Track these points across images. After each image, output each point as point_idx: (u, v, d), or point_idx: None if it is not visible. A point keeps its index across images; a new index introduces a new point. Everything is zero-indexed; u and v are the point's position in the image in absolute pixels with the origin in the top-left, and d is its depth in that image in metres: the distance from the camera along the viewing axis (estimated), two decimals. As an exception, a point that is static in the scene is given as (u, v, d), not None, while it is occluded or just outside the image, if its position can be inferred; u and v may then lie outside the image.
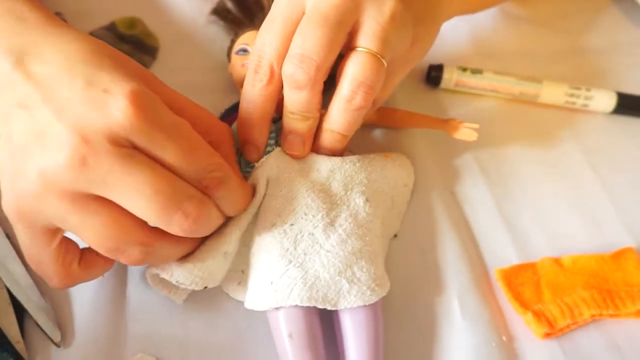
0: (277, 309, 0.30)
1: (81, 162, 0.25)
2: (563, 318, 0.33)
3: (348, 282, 0.30)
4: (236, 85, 0.39)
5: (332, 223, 0.31)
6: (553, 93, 0.44)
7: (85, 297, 0.33)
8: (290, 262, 0.30)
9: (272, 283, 0.30)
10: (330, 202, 0.32)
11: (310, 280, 0.30)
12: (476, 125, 0.38)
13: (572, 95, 0.43)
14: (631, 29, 0.52)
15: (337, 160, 0.34)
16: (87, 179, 0.25)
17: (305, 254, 0.30)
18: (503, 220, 0.38)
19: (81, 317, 0.32)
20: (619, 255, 0.36)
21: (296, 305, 0.29)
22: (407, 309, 0.34)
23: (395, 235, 0.36)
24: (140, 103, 0.25)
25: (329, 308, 0.30)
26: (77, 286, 0.32)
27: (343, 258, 0.30)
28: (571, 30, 0.50)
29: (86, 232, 0.26)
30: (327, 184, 0.33)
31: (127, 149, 0.25)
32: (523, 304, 0.34)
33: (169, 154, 0.26)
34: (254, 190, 0.32)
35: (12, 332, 0.31)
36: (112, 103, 0.25)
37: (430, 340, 0.33)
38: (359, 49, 0.31)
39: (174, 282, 0.30)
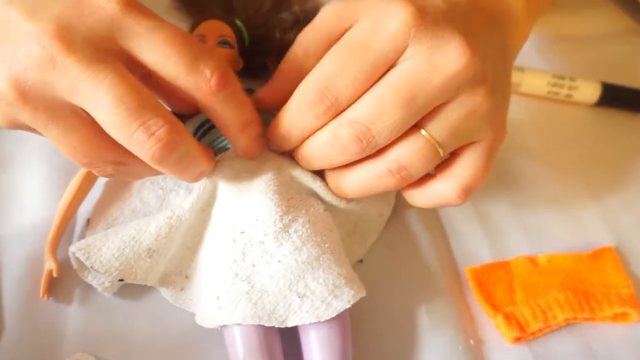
0: (231, 326, 0.27)
1: (50, 62, 0.24)
2: (535, 321, 0.31)
3: (299, 297, 0.27)
4: None
5: (285, 229, 0.28)
6: (535, 82, 0.41)
7: (21, 290, 0.30)
8: (237, 275, 0.28)
9: (217, 298, 0.28)
10: (287, 205, 0.29)
11: (255, 296, 0.27)
12: None
13: (555, 84, 0.41)
14: (623, 19, 0.50)
15: (301, 170, 0.31)
16: (55, 81, 0.24)
17: (253, 265, 0.28)
18: (477, 216, 0.36)
19: (16, 312, 0.30)
20: (598, 255, 0.34)
21: (255, 324, 0.27)
22: (375, 311, 0.31)
23: (361, 261, 0.33)
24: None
25: (276, 326, 0.27)
26: (11, 279, 0.31)
27: (295, 269, 0.28)
28: (560, 19, 0.48)
29: (62, 147, 0.26)
30: (285, 187, 0.30)
31: (102, 53, 0.24)
32: (494, 305, 0.32)
33: (154, 45, 0.25)
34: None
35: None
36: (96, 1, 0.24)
37: (397, 344, 0.31)
38: (422, 132, 0.27)
39: (88, 266, 0.28)
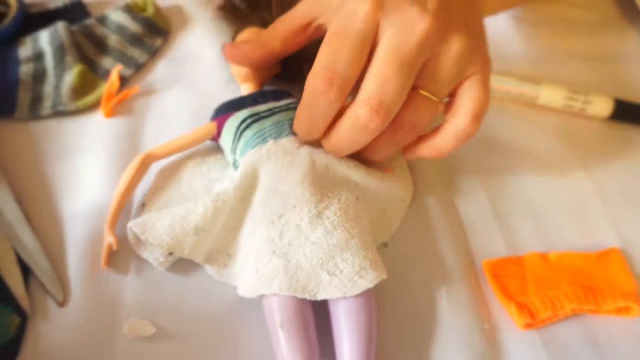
0: (269, 296, 0.31)
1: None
2: (545, 310, 0.34)
3: (329, 274, 0.31)
4: (235, 78, 0.41)
5: (319, 215, 0.32)
6: (552, 96, 0.45)
7: (86, 262, 0.34)
8: (274, 252, 0.32)
9: (257, 271, 0.32)
10: (321, 195, 0.33)
11: (291, 271, 0.31)
12: None
13: (570, 98, 0.44)
14: (637, 38, 0.53)
15: (334, 157, 0.35)
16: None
17: (290, 244, 0.32)
18: (495, 216, 0.39)
19: (81, 281, 0.33)
20: (605, 255, 0.37)
21: (290, 295, 0.30)
22: (398, 293, 0.35)
23: (386, 244, 0.37)
24: None
25: (308, 298, 0.30)
26: (78, 249, 0.34)
27: (326, 250, 0.31)
28: (574, 36, 0.51)
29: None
30: (320, 178, 0.34)
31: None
32: (507, 295, 0.35)
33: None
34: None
35: (19, 290, 0.33)
36: None
37: (418, 324, 0.34)
38: (420, 92, 0.32)
39: (143, 239, 0.32)
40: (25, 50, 0.42)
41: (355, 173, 0.35)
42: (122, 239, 0.35)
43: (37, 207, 0.36)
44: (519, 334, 0.34)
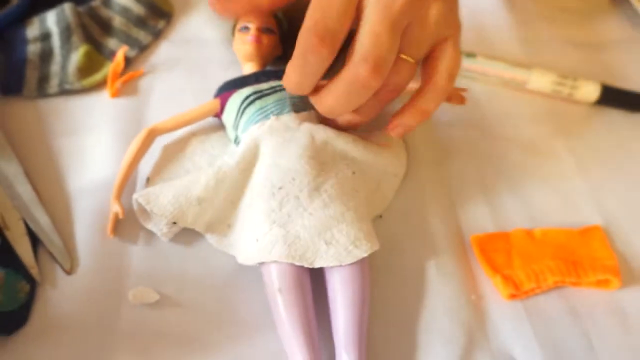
0: (269, 264, 0.33)
1: None
2: (528, 282, 0.36)
3: (326, 244, 0.33)
4: (238, 58, 0.42)
5: (317, 188, 0.34)
6: (541, 80, 0.46)
7: (93, 233, 0.36)
8: (274, 222, 0.33)
9: (257, 240, 0.33)
10: (319, 169, 0.35)
11: (290, 239, 0.33)
12: (465, 89, 0.40)
13: (559, 83, 0.46)
14: (627, 28, 0.54)
15: (332, 133, 0.37)
16: None
17: (289, 215, 0.33)
18: (484, 194, 0.41)
19: (87, 251, 0.35)
20: (587, 232, 0.39)
21: (289, 263, 0.32)
22: (390, 263, 0.37)
23: (381, 216, 0.39)
24: None
25: (306, 265, 0.32)
26: (85, 221, 0.36)
27: (324, 221, 0.33)
28: (567, 24, 0.53)
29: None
30: (319, 153, 0.36)
31: None
32: (494, 268, 0.37)
33: None
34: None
35: (28, 259, 0.34)
36: None
37: (408, 292, 0.36)
38: (402, 56, 0.33)
39: (148, 209, 0.34)
40: (32, 30, 0.43)
41: (353, 148, 0.37)
42: (128, 212, 0.36)
43: (46, 181, 0.38)
44: (503, 304, 0.36)
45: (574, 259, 0.38)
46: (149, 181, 0.38)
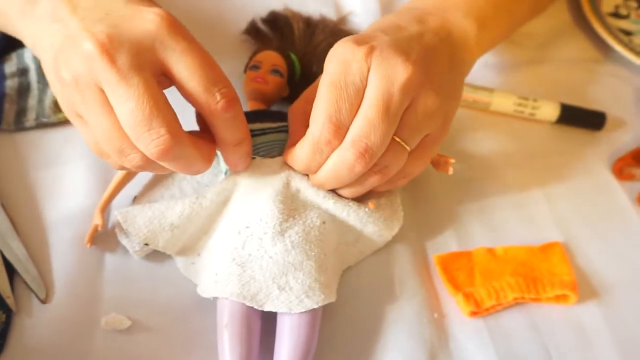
0: (222, 299, 0.34)
1: (96, 65, 0.30)
2: (489, 299, 0.37)
3: (279, 289, 0.33)
4: (245, 96, 0.43)
5: (282, 233, 0.35)
6: (503, 102, 0.48)
7: (67, 262, 0.37)
8: (234, 259, 0.34)
9: (216, 274, 0.35)
10: (287, 215, 0.35)
11: (245, 279, 0.34)
12: (453, 160, 0.40)
13: (520, 104, 0.48)
14: (588, 49, 0.56)
15: (307, 183, 0.37)
16: (99, 79, 0.30)
17: (250, 255, 0.34)
18: (449, 215, 0.42)
19: (62, 280, 0.36)
20: (547, 248, 0.41)
21: (240, 302, 0.33)
22: (352, 282, 0.38)
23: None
24: (170, 20, 0.31)
25: (256, 307, 0.33)
26: (60, 251, 0.37)
27: (281, 266, 0.34)
28: (532, 46, 0.55)
29: (97, 128, 0.31)
30: (291, 199, 0.36)
31: (141, 59, 0.30)
32: (456, 286, 0.38)
33: (185, 64, 0.31)
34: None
35: (4, 288, 0.35)
36: (146, 16, 0.31)
37: (371, 311, 0.37)
38: (396, 139, 0.34)
39: (124, 228, 0.36)
40: (10, 66, 0.45)
41: (323, 201, 0.37)
42: (101, 235, 0.38)
43: (22, 212, 0.39)
44: (465, 322, 0.37)
45: (534, 275, 0.39)
46: (135, 200, 0.39)
